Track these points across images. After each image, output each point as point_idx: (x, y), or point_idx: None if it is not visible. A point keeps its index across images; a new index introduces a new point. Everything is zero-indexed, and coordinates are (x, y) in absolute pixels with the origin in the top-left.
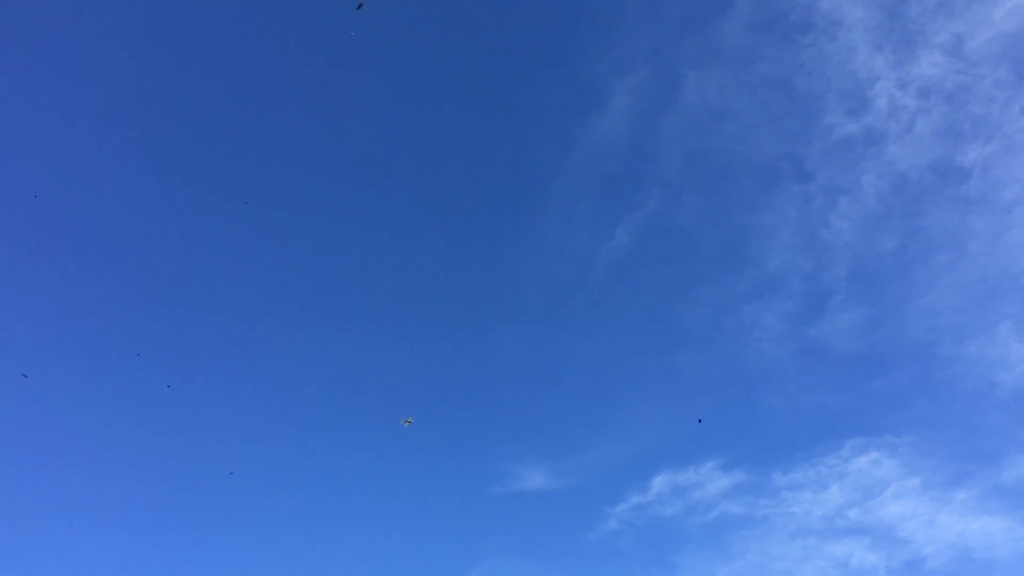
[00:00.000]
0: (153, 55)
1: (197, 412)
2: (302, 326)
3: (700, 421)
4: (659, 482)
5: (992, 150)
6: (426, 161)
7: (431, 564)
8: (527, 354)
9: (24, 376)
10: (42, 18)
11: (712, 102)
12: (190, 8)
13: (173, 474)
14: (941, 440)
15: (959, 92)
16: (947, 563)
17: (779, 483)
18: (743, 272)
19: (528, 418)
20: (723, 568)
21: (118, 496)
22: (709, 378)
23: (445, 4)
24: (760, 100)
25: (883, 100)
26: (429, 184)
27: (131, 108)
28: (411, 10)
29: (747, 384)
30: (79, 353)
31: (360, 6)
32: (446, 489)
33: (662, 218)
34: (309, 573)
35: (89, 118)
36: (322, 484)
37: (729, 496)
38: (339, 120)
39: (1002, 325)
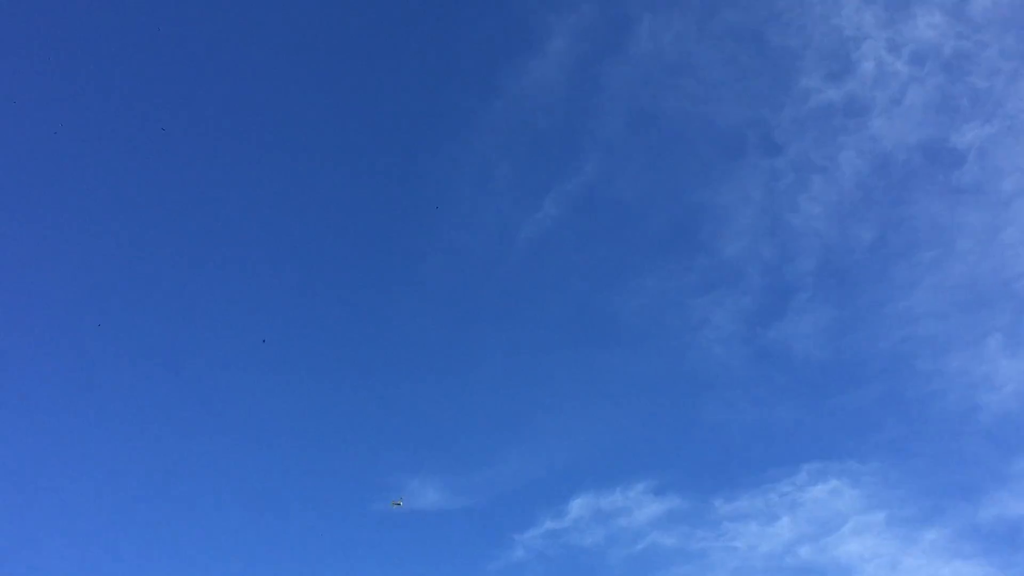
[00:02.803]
0: None
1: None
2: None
3: None
4: (578, 505)
5: (992, 132)
6: (316, 103)
7: None
8: (427, 344)
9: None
10: None
11: (668, 53)
12: None
13: None
14: (912, 469)
15: (959, 60)
16: None
17: (721, 512)
18: (693, 259)
19: (424, 421)
20: None
21: None
22: (645, 383)
23: None
24: (725, 54)
25: (870, 64)
26: (317, 131)
27: None
28: None
29: (690, 392)
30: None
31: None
32: (319, 502)
33: (600, 189)
34: None
35: None
36: (179, 493)
37: (661, 525)
38: (227, 61)
39: (990, 338)
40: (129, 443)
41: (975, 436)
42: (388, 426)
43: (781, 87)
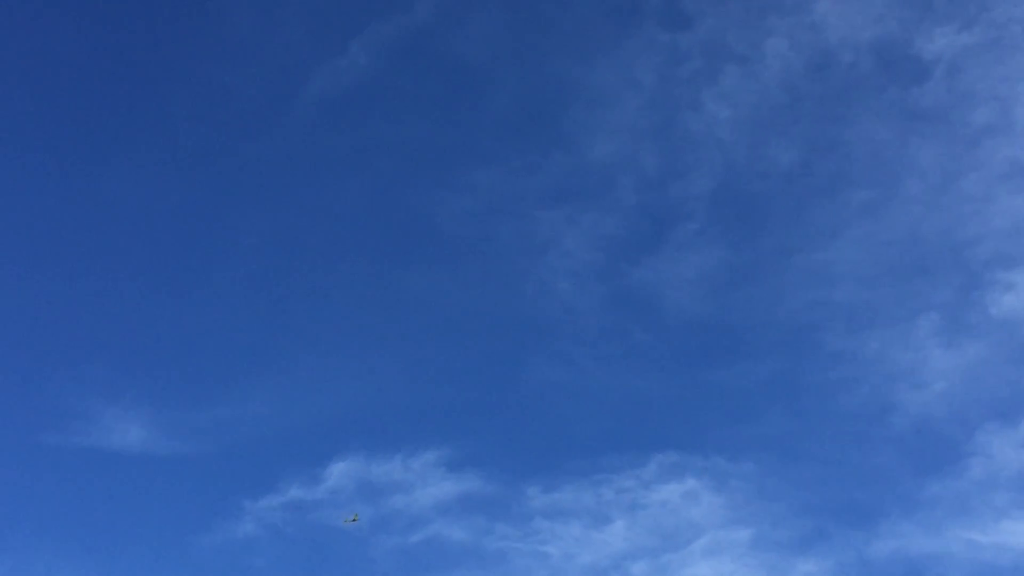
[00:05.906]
0: None
1: None
2: None
3: None
4: (339, 471)
5: (970, 42)
6: None
7: None
8: (149, 224)
9: None
10: None
11: None
12: None
13: None
14: (796, 477)
15: None
16: None
17: (534, 504)
18: (546, 155)
19: (132, 330)
20: None
21: None
22: (457, 317)
23: None
24: None
25: None
26: None
27: None
28: None
29: (516, 338)
30: None
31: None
32: None
33: (430, 37)
34: None
35: None
36: None
37: (451, 512)
38: None
39: (924, 318)
40: None
41: (884, 444)
42: (76, 331)
43: None
